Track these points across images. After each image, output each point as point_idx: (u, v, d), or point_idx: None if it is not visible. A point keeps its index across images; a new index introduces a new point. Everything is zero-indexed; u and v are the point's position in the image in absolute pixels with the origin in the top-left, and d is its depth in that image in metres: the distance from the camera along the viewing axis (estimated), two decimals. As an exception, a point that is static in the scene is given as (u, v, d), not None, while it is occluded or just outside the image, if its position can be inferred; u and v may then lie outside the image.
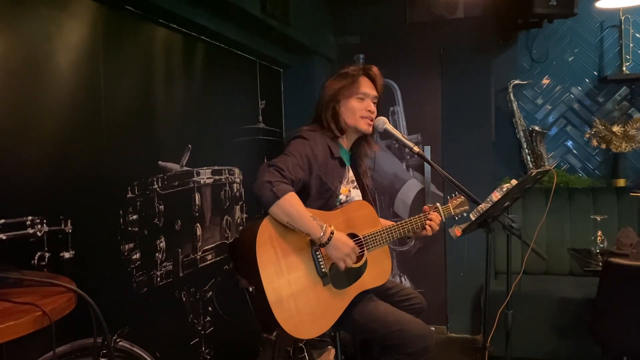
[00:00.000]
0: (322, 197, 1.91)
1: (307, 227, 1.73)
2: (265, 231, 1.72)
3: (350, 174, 2.04)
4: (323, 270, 1.81)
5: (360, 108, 1.96)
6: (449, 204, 2.18)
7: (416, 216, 2.08)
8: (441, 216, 2.12)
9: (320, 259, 1.81)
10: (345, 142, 2.04)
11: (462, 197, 2.18)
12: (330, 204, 1.93)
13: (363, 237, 1.95)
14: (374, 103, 2.01)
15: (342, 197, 1.98)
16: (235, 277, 1.83)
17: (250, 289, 1.71)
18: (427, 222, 2.07)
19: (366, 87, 1.99)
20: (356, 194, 2.04)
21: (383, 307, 1.94)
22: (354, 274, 1.90)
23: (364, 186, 2.09)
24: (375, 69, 2.04)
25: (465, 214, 2.19)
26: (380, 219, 2.14)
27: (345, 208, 1.95)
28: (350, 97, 1.96)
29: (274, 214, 1.71)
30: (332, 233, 1.76)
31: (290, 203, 1.69)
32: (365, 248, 1.95)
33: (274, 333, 1.74)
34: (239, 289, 1.79)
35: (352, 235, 1.94)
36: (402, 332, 1.84)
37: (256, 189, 1.69)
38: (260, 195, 1.68)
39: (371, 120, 1.99)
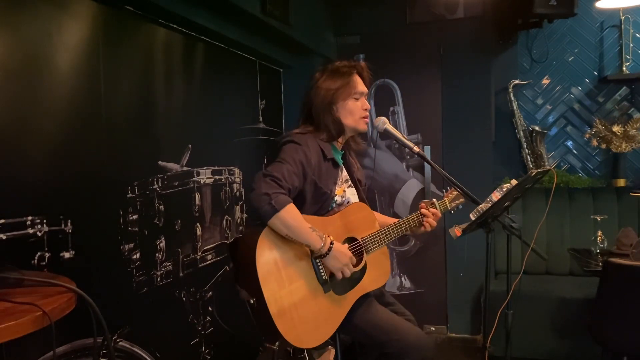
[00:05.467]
0: (317, 202, 1.89)
1: (306, 239, 1.71)
2: (265, 243, 1.70)
3: (344, 173, 2.03)
4: (324, 277, 1.80)
5: (358, 108, 1.95)
6: (445, 199, 2.15)
7: (413, 214, 2.08)
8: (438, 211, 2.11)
9: (320, 267, 1.80)
10: (339, 144, 2.02)
11: (456, 190, 2.17)
12: (325, 206, 1.92)
13: (362, 240, 1.94)
14: (365, 99, 2.00)
15: (338, 198, 1.96)
16: (235, 288, 1.82)
17: (252, 301, 1.69)
18: (424, 219, 2.05)
19: (360, 85, 1.98)
20: (351, 193, 2.03)
21: (383, 313, 1.93)
22: (354, 278, 1.89)
23: (357, 183, 2.08)
24: (363, 64, 2.02)
25: (460, 207, 2.19)
26: (381, 215, 2.14)
27: (344, 212, 1.93)
28: (347, 99, 1.94)
29: (273, 226, 1.68)
30: (331, 244, 1.75)
31: (289, 215, 1.67)
32: (364, 251, 1.94)
33: (277, 343, 1.73)
34: (239, 299, 1.77)
35: (352, 239, 1.93)
36: (400, 341, 1.83)
37: (254, 201, 1.66)
38: (258, 207, 1.65)
39: (367, 118, 1.99)
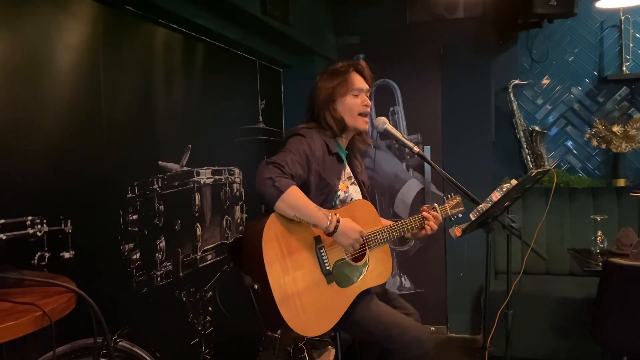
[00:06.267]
0: (321, 193, 1.91)
1: (313, 217, 1.73)
2: (271, 229, 1.72)
3: (348, 170, 2.05)
4: (327, 268, 1.82)
5: (356, 104, 1.98)
6: (446, 205, 2.18)
7: (415, 216, 2.09)
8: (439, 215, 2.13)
9: (324, 257, 1.82)
10: (343, 141, 2.05)
11: (459, 197, 2.20)
12: (329, 200, 1.94)
13: (366, 236, 1.95)
14: (367, 96, 2.03)
15: (341, 194, 1.98)
16: (239, 275, 1.83)
17: (256, 287, 1.71)
18: (425, 222, 2.08)
19: (359, 82, 2.00)
20: (354, 190, 2.04)
21: (384, 309, 1.94)
22: (356, 273, 1.91)
23: (361, 183, 2.10)
24: (363, 63, 2.05)
25: (460, 215, 2.21)
26: (381, 218, 2.14)
27: (348, 207, 1.95)
28: (346, 95, 1.97)
29: (279, 209, 1.70)
30: (338, 221, 1.77)
31: (295, 196, 1.70)
32: (367, 246, 1.95)
33: (278, 331, 1.73)
34: (243, 287, 1.78)
35: None
36: (400, 336, 1.84)
37: (258, 187, 1.70)
38: (263, 192, 1.68)
39: (366, 116, 2.01)
